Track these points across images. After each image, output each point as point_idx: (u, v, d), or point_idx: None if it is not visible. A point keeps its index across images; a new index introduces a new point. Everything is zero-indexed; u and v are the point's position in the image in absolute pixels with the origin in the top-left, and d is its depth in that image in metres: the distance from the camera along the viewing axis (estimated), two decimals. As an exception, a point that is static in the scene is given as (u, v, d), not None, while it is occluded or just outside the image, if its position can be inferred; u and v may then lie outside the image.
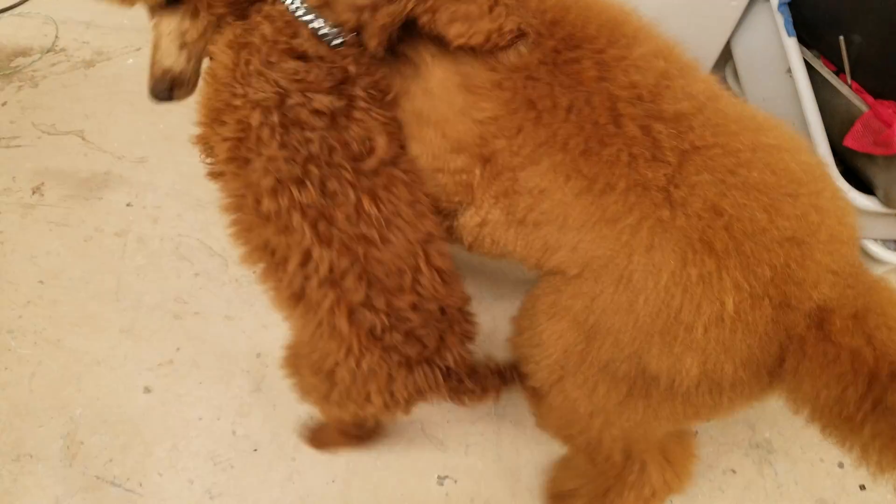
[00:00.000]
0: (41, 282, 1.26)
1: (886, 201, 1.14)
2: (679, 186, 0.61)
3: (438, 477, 1.07)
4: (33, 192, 1.38)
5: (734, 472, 1.09)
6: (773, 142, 0.64)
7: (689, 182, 0.61)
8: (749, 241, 0.59)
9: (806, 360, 0.59)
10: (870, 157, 1.14)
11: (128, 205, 1.37)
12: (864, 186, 1.17)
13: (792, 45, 1.24)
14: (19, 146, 1.46)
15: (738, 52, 1.43)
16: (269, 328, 1.22)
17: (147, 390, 1.15)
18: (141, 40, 1.68)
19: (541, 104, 0.66)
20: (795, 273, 0.59)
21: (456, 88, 0.69)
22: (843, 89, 1.18)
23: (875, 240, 1.29)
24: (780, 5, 1.26)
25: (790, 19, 1.25)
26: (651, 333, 0.62)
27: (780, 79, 1.29)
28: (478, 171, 0.71)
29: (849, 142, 1.15)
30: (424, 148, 0.74)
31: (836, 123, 1.20)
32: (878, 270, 1.38)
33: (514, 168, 0.68)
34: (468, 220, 0.76)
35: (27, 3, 1.76)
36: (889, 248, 1.31)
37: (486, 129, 0.69)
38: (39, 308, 1.23)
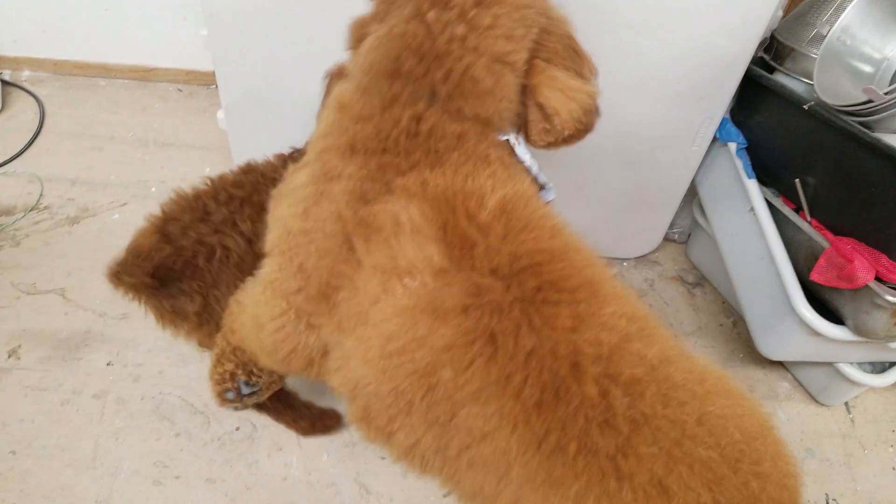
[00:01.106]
0: (13, 452, 1.21)
1: (856, 330, 1.17)
2: (627, 457, 0.59)
3: None
4: (9, 356, 1.36)
5: None
6: (718, 411, 0.63)
7: (638, 453, 0.59)
8: None
9: None
10: (837, 289, 1.19)
11: (108, 364, 1.35)
12: (835, 317, 1.21)
13: (752, 185, 1.32)
14: (-4, 307, 1.45)
15: (703, 191, 1.52)
16: (253, 489, 1.18)
17: (122, 567, 1.09)
18: (127, 195, 1.72)
19: (502, 340, 0.62)
20: None
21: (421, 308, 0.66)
22: (804, 226, 1.25)
23: (850, 363, 1.32)
24: (738, 150, 1.35)
25: (749, 162, 1.34)
26: None
27: (745, 216, 1.36)
28: (418, 397, 0.66)
29: (815, 276, 1.20)
30: (358, 349, 0.71)
31: (802, 258, 1.25)
32: (854, 392, 1.40)
33: (455, 402, 0.64)
34: (402, 438, 0.71)
35: (13, 161, 1.80)
36: (864, 370, 1.34)
37: (438, 356, 0.64)
38: (10, 481, 1.17)
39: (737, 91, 1.31)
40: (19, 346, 1.38)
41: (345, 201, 0.71)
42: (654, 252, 1.73)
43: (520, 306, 0.63)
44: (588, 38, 1.21)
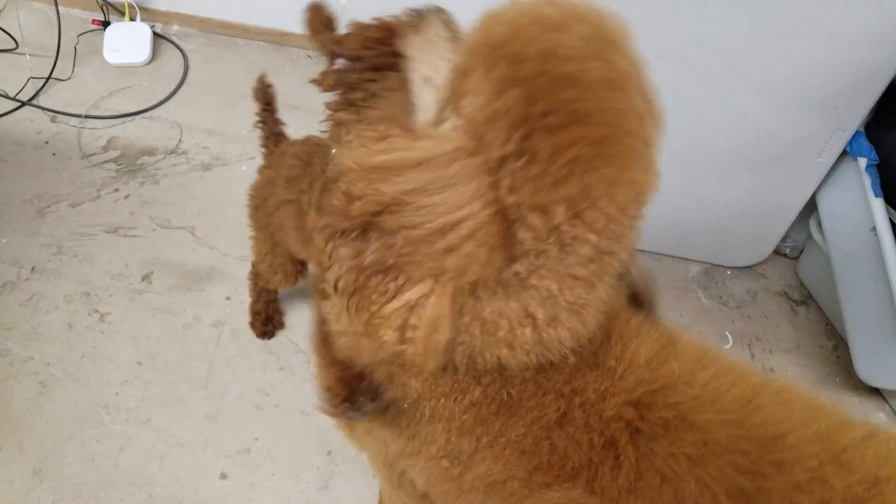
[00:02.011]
0: (139, 363, 1.34)
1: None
2: None
3: None
4: (142, 280, 1.50)
5: None
6: None
7: None
8: None
9: None
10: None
11: (227, 298, 1.47)
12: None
13: (878, 205, 1.28)
14: (135, 236, 1.59)
15: (823, 206, 1.47)
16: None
17: (223, 476, 1.19)
18: (255, 150, 1.84)
19: None
20: None
21: None
22: (931, 252, 1.20)
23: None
24: (868, 166, 1.31)
25: (878, 180, 1.29)
26: None
27: (865, 236, 1.32)
28: None
29: (935, 304, 1.15)
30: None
31: (922, 284, 1.21)
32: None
33: None
34: None
35: (159, 108, 1.96)
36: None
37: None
38: (135, 388, 1.30)
39: (876, 104, 1.27)
40: (152, 272, 1.51)
41: None
42: (761, 264, 1.70)
43: None
44: (723, 42, 1.21)
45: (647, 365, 0.58)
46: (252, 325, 1.41)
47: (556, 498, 0.57)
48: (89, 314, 1.42)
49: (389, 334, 0.50)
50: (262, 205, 1.17)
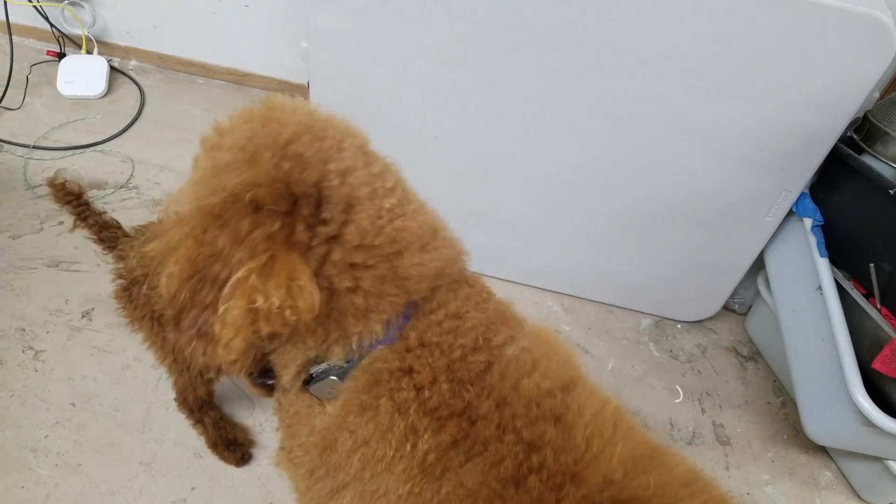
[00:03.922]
0: (73, 404, 1.27)
1: (916, 426, 1.14)
2: None
3: None
4: (82, 316, 1.43)
5: None
6: None
7: None
8: None
9: None
10: (900, 380, 1.16)
11: (170, 338, 1.41)
12: (891, 409, 1.18)
13: (823, 264, 1.32)
14: (78, 271, 1.52)
15: (771, 264, 1.51)
16: (285, 477, 1.20)
17: (156, 532, 1.12)
18: (208, 187, 1.81)
19: None
20: None
21: None
22: (873, 313, 1.23)
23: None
24: (813, 227, 1.35)
25: (822, 240, 1.33)
26: None
27: (811, 295, 1.35)
28: None
29: (877, 365, 1.18)
30: None
31: (865, 344, 1.24)
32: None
33: None
34: None
35: (111, 141, 1.92)
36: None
37: None
38: (66, 430, 1.23)
39: (820, 167, 1.32)
40: (93, 309, 1.45)
41: None
42: (710, 319, 1.72)
43: None
44: (670, 99, 1.25)
45: None
46: (219, 455, 1.23)
47: None
48: (23, 351, 1.34)
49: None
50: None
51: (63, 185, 1.06)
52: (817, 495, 1.42)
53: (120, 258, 1.08)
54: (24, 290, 1.46)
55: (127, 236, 1.10)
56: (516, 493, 0.56)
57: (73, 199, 1.07)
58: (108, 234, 1.09)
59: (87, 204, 1.08)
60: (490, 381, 0.61)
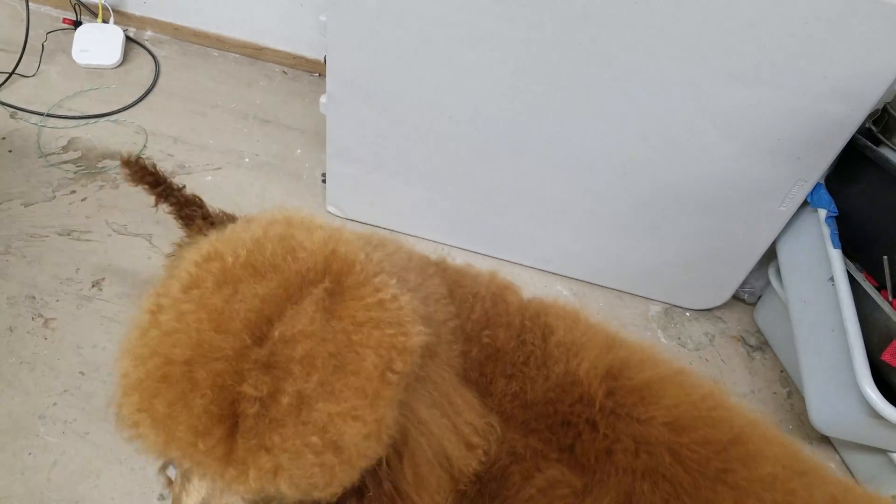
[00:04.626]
0: (82, 373, 1.28)
1: (923, 420, 1.14)
2: None
3: None
4: (93, 286, 1.44)
5: None
6: None
7: None
8: None
9: None
10: (909, 375, 1.16)
11: (179, 310, 1.42)
12: (900, 401, 1.18)
13: (836, 256, 1.30)
14: (89, 241, 1.53)
15: (783, 254, 1.50)
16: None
17: (162, 498, 1.13)
18: (222, 161, 1.81)
19: None
20: None
21: None
22: (884, 306, 1.22)
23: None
24: (828, 217, 1.34)
25: (836, 231, 1.32)
26: None
27: (822, 286, 1.34)
28: None
29: (887, 357, 1.17)
30: None
31: (875, 336, 1.23)
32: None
33: None
34: None
35: (125, 112, 1.92)
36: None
37: None
38: (75, 399, 1.24)
39: (837, 158, 1.30)
40: (103, 279, 1.46)
41: None
42: (719, 308, 1.72)
43: None
44: (692, 82, 1.24)
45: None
46: None
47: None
48: (33, 318, 1.36)
49: None
50: None
51: (138, 161, 1.03)
52: (820, 487, 1.42)
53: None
54: (35, 257, 1.47)
55: (207, 217, 1.06)
56: None
57: (151, 176, 1.03)
58: (188, 211, 1.06)
59: (166, 180, 1.05)
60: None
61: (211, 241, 0.54)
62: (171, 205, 1.06)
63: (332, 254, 0.52)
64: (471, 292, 0.71)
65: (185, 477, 0.53)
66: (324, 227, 0.56)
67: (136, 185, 1.04)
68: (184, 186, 1.09)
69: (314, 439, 0.45)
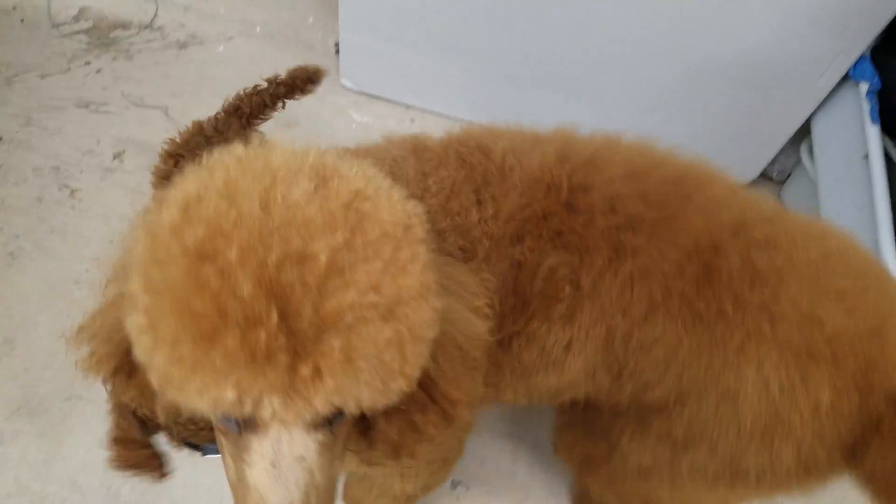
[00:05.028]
0: (111, 241, 1.31)
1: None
2: (779, 301, 0.66)
3: (452, 481, 1.13)
4: (114, 158, 1.44)
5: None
6: (835, 247, 0.70)
7: (787, 295, 0.66)
8: (838, 341, 0.64)
9: (878, 438, 0.62)
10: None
11: (201, 183, 1.42)
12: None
13: (874, 132, 1.26)
14: (107, 112, 1.52)
15: (817, 131, 1.45)
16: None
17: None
18: (234, 31, 1.75)
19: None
20: (877, 360, 0.64)
21: None
22: (919, 183, 1.19)
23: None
24: (869, 92, 1.28)
25: (877, 107, 1.26)
26: (752, 437, 0.66)
27: (856, 163, 1.30)
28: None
29: (915, 235, 1.15)
30: None
31: (905, 215, 1.21)
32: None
33: (631, 333, 0.71)
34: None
35: (134, -21, 1.84)
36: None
37: None
38: (106, 266, 1.27)
39: (885, 28, 1.23)
40: (124, 150, 1.46)
41: None
42: (747, 185, 1.69)
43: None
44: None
45: None
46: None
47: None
48: (59, 189, 1.37)
49: None
50: None
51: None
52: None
53: None
54: (56, 129, 1.47)
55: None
56: None
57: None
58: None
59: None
60: None
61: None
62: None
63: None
64: (391, 155, 0.72)
65: (239, 447, 0.47)
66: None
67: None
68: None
69: (373, 297, 0.41)
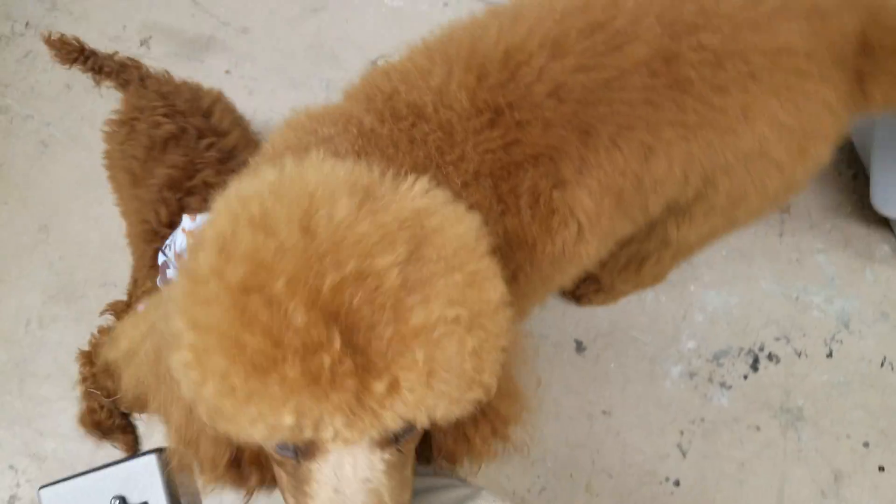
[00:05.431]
0: (137, 130, 1.32)
1: None
2: (748, 62, 0.68)
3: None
4: (141, 44, 1.43)
5: (758, 429, 1.12)
6: None
7: (753, 50, 0.69)
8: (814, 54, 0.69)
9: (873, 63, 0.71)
10: None
11: (226, 72, 1.41)
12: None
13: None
14: (132, -4, 1.50)
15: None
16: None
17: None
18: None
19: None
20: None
21: None
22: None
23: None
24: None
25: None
26: (788, 153, 0.72)
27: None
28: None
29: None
30: None
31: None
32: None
33: (640, 179, 0.71)
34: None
35: None
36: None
37: None
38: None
39: None
40: (150, 37, 1.44)
41: None
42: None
43: None
44: None
45: None
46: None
47: None
48: (87, 76, 1.37)
49: None
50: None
51: (61, 41, 1.03)
52: (869, 267, 1.40)
53: None
54: (81, 14, 1.45)
55: (145, 78, 1.04)
56: None
57: (79, 55, 1.03)
58: (125, 76, 1.04)
59: (95, 54, 1.03)
60: None
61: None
62: (108, 76, 1.04)
63: None
64: (323, 137, 0.66)
65: (299, 479, 0.46)
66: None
67: (69, 66, 1.03)
68: (116, 53, 1.05)
69: (458, 310, 0.42)
